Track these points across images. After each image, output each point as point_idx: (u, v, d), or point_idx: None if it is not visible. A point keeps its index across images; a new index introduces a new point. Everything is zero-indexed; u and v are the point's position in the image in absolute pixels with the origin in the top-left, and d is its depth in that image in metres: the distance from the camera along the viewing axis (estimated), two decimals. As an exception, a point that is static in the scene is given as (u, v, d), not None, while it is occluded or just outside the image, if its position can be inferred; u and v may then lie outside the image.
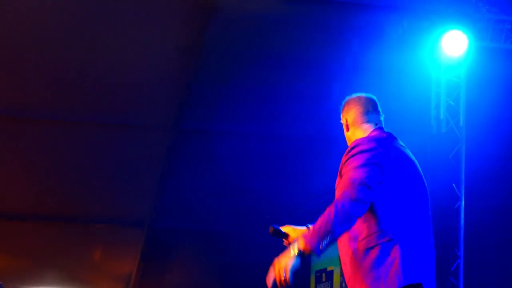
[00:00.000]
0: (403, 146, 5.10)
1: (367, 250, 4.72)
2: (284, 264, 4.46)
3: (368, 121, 5.26)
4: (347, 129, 5.33)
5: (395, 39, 10.23)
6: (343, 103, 5.45)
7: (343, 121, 5.40)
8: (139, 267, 20.05)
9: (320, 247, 4.49)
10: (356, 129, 5.27)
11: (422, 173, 5.10)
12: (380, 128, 5.22)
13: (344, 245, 4.91)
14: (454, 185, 10.58)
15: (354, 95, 5.49)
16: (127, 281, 21.79)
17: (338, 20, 10.17)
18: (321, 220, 4.51)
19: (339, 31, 10.18)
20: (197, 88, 11.56)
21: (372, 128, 5.21)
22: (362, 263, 4.74)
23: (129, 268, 20.68)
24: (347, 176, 4.63)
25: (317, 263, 14.51)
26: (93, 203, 16.48)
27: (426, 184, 5.10)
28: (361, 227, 4.77)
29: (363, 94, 5.50)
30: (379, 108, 5.37)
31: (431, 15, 10.19)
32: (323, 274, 14.17)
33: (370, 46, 10.20)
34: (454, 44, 10.04)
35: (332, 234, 4.46)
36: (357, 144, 4.85)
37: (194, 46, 10.58)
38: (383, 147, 4.85)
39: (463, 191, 10.55)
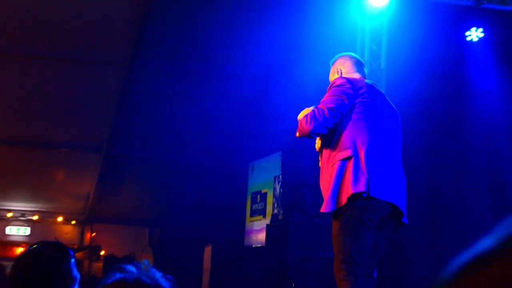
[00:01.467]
0: (380, 92, 5.69)
1: (339, 161, 5.18)
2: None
3: (357, 71, 5.90)
4: (341, 76, 5.86)
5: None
6: (337, 57, 6.07)
7: (336, 69, 5.98)
8: (96, 187, 20.10)
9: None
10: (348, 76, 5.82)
11: (395, 114, 5.67)
12: (363, 77, 5.85)
13: (323, 163, 5.47)
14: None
15: (347, 53, 6.15)
16: (86, 199, 21.81)
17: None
18: (301, 120, 5.27)
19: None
20: (150, 30, 11.42)
21: (358, 76, 5.81)
22: (330, 177, 5.17)
23: (88, 188, 20.73)
24: (324, 99, 5.35)
25: (253, 186, 14.57)
26: (57, 130, 16.44)
27: (399, 123, 5.68)
28: (332, 148, 5.32)
29: (353, 54, 6.18)
30: (364, 65, 6.08)
31: (359, -31, 10.07)
32: (258, 196, 14.21)
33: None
34: (378, -5, 9.94)
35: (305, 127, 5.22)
36: (337, 80, 5.51)
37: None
38: (353, 87, 5.42)
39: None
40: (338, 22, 10.32)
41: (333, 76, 5.97)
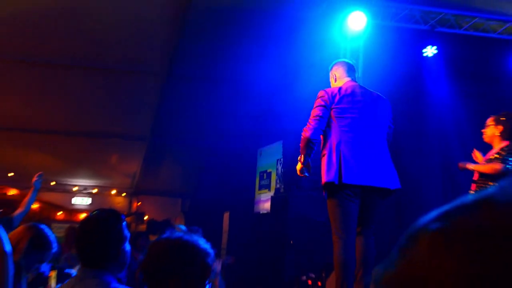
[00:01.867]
0: (363, 91, 5.68)
1: (322, 157, 5.41)
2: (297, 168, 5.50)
3: (347, 76, 5.83)
4: (335, 81, 5.90)
5: (317, 16, 10.13)
6: (333, 64, 6.03)
7: (332, 75, 5.96)
8: (141, 167, 20.18)
9: (302, 159, 5.48)
10: (340, 81, 5.85)
11: (377, 109, 5.67)
12: (352, 80, 5.80)
13: None
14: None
15: (341, 59, 6.18)
16: (133, 177, 21.92)
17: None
18: (302, 135, 5.46)
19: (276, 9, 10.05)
20: (184, 44, 11.44)
21: (348, 80, 5.80)
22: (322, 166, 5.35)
23: (135, 168, 20.82)
24: (312, 111, 5.51)
25: (261, 167, 14.63)
26: (111, 125, 16.56)
27: (383, 112, 5.74)
28: (323, 143, 5.49)
29: (346, 60, 6.18)
30: (355, 69, 5.99)
31: (342, 0, 10.11)
32: (265, 174, 14.28)
33: (299, 20, 10.12)
34: (356, 21, 9.97)
35: (305, 151, 5.42)
36: (319, 93, 5.57)
37: (183, 12, 10.39)
38: (329, 97, 5.50)
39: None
40: (326, 43, 10.37)
41: (331, 80, 6.00)
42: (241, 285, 10.39)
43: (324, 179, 5.27)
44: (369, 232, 5.52)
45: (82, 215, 22.13)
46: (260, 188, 14.40)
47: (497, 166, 6.05)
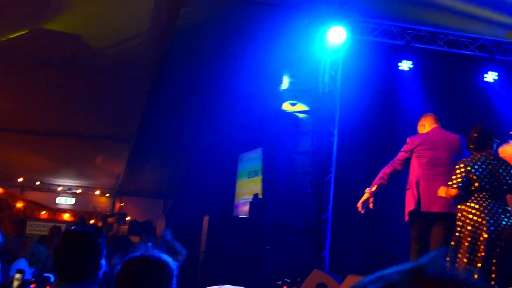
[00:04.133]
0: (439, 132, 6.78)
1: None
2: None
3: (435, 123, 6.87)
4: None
5: (298, 30, 10.24)
6: (422, 116, 7.05)
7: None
8: (125, 169, 20.15)
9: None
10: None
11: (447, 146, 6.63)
12: (436, 127, 6.85)
13: None
14: (330, 126, 10.75)
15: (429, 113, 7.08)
16: (117, 178, 21.86)
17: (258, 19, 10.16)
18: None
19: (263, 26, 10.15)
20: (172, 53, 11.49)
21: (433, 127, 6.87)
22: None
23: (119, 170, 20.78)
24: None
25: (242, 172, 14.63)
26: (97, 128, 16.56)
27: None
28: None
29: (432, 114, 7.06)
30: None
31: (323, 15, 10.20)
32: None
33: (281, 34, 10.20)
34: (336, 35, 10.07)
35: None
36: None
37: (172, 23, 10.46)
38: (413, 139, 6.73)
39: (336, 129, 10.72)
40: (307, 55, 10.48)
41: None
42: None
43: None
44: None
45: (66, 215, 22.06)
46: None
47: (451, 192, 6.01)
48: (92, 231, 3.13)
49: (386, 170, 6.81)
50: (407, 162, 6.72)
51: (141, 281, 2.63)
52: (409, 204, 6.60)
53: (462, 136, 6.62)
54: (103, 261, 3.12)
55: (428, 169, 6.54)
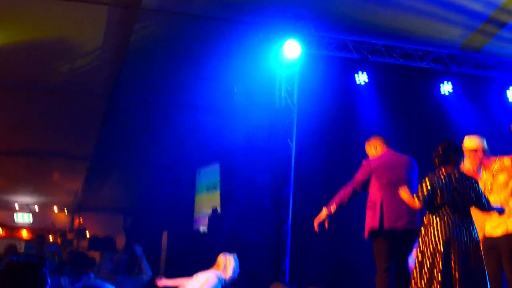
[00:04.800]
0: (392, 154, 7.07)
1: None
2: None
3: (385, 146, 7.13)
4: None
5: (254, 44, 10.21)
6: (371, 138, 7.28)
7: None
8: (83, 185, 19.93)
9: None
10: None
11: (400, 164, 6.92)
12: (387, 150, 7.10)
13: None
14: (288, 140, 10.71)
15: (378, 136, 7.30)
16: (75, 194, 21.56)
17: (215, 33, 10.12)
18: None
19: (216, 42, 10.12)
20: (127, 69, 11.39)
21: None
22: None
23: (77, 186, 20.54)
24: None
25: (200, 187, 14.55)
26: (54, 145, 16.35)
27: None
28: None
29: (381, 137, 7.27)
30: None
31: (277, 29, 10.17)
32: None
33: (237, 50, 10.17)
34: (291, 50, 10.05)
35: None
36: None
37: (123, 43, 10.35)
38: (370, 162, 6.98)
39: (294, 143, 10.69)
40: (264, 69, 10.45)
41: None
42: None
43: None
44: None
45: (24, 232, 21.64)
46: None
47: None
48: (35, 262, 3.06)
49: (345, 191, 6.87)
50: (366, 184, 6.83)
51: None
52: (372, 222, 6.68)
53: (411, 157, 7.01)
54: None
55: (390, 188, 6.61)
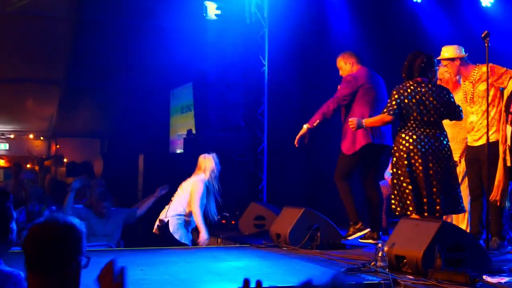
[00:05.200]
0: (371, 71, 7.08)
1: None
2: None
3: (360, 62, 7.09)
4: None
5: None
6: (345, 54, 7.14)
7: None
8: (58, 110, 19.77)
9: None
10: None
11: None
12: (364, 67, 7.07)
13: None
14: (260, 56, 10.52)
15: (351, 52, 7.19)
16: (50, 120, 21.33)
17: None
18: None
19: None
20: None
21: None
22: None
23: (52, 111, 20.33)
24: None
25: (174, 108, 14.35)
26: (27, 71, 16.11)
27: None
28: None
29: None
30: None
31: None
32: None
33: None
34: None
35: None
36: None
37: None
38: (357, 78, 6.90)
39: (266, 60, 10.50)
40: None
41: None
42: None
43: None
44: None
45: (0, 161, 21.46)
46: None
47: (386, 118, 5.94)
48: None
49: (330, 106, 6.84)
50: (352, 99, 6.83)
51: (46, 248, 2.50)
52: (359, 138, 6.72)
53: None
54: (13, 225, 3.06)
55: (376, 105, 6.74)
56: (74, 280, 2.58)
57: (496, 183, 5.97)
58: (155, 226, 7.70)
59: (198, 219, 7.33)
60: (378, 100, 6.84)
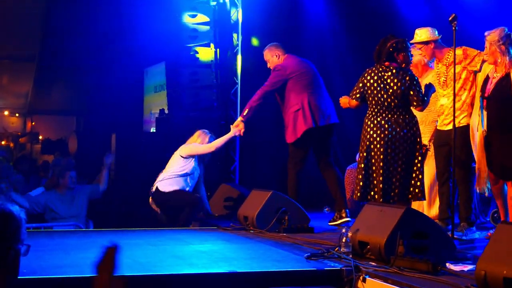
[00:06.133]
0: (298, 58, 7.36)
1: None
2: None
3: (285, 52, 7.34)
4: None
5: None
6: (272, 47, 7.38)
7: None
8: (33, 87, 19.60)
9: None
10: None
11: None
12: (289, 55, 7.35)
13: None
14: (233, 33, 10.35)
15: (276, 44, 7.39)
16: (26, 96, 21.14)
17: None
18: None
19: None
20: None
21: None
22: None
23: (27, 88, 20.18)
24: None
25: (148, 86, 14.16)
26: (2, 47, 16.21)
27: None
28: None
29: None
30: None
31: None
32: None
33: None
34: None
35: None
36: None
37: None
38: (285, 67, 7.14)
39: (240, 38, 10.31)
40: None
41: None
42: (126, 204, 10.05)
43: None
44: None
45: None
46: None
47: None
48: None
49: (256, 96, 7.13)
50: (284, 88, 7.06)
51: None
52: (299, 125, 6.93)
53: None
54: None
55: (313, 88, 7.03)
56: (13, 269, 2.49)
57: (481, 174, 5.83)
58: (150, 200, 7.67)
59: (219, 141, 7.59)
60: (314, 84, 7.11)
